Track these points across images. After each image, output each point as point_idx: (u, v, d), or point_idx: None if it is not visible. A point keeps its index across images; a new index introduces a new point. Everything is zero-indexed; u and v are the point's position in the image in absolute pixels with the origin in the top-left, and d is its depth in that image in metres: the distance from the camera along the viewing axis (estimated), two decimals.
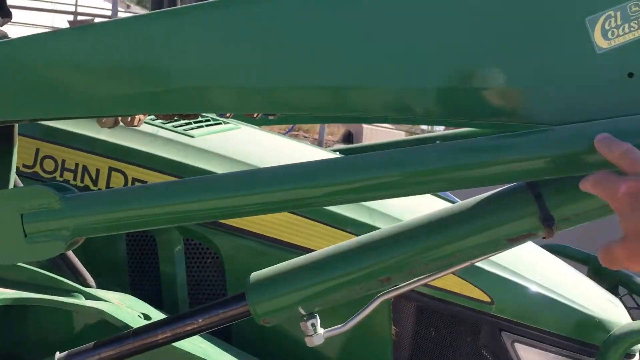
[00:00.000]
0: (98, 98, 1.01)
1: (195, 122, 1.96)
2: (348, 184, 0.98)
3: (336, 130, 13.40)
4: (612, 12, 0.94)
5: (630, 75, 0.94)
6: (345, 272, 1.05)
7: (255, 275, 1.11)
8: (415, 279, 1.11)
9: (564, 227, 1.02)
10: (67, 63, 1.01)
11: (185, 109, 1.08)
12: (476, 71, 0.98)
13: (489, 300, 1.52)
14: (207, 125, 1.96)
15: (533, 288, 1.54)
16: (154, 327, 1.14)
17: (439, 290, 1.54)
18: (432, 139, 1.54)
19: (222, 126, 2.01)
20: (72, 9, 12.69)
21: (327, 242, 1.14)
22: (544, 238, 1.04)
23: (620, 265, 0.80)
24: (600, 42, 0.95)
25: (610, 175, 0.82)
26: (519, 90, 0.97)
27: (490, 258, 1.55)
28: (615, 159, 0.84)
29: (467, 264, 1.11)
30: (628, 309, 2.16)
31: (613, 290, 2.18)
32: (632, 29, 0.94)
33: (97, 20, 1.04)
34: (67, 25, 1.03)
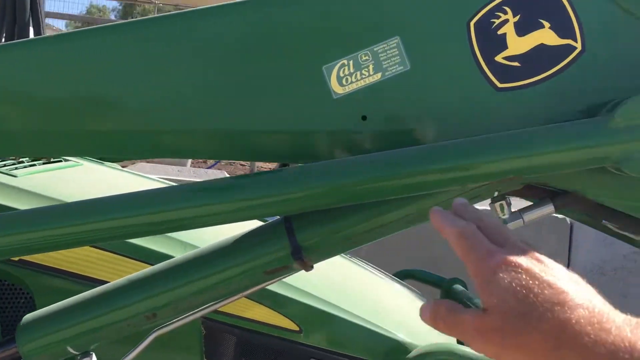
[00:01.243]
0: None
1: (27, 161, 1.94)
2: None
3: None
4: (345, 61, 1.03)
5: (364, 118, 1.03)
6: (109, 310, 1.07)
7: (28, 316, 1.12)
8: (188, 313, 1.15)
9: (318, 259, 1.09)
10: None
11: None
12: (224, 116, 1.04)
13: (297, 329, 1.58)
14: (38, 165, 1.95)
15: (341, 315, 1.61)
16: None
17: (250, 321, 1.58)
18: None
19: (53, 165, 2.00)
20: None
21: None
22: (306, 270, 1.11)
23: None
24: (337, 88, 1.03)
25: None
26: (263, 134, 1.04)
27: (300, 287, 1.61)
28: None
29: (238, 296, 1.16)
30: None
31: None
32: (363, 76, 1.03)
33: None
34: None
